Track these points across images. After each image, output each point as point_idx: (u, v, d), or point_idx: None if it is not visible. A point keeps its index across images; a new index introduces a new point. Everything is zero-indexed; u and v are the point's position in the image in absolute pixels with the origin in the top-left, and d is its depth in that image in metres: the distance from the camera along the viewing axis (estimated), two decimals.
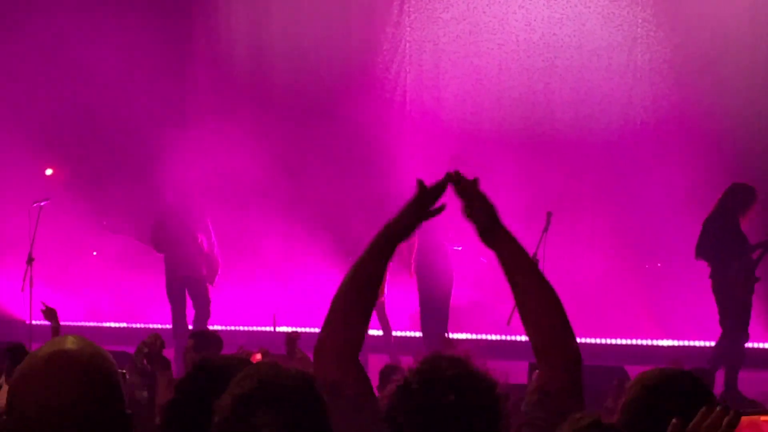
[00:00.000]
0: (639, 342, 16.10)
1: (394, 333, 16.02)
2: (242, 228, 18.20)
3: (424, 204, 4.48)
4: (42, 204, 16.21)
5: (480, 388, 3.79)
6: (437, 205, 4.49)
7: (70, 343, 3.27)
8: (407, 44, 18.31)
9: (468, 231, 4.39)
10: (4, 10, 18.99)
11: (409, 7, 18.26)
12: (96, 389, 3.17)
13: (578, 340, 13.11)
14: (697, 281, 15.63)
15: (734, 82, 16.66)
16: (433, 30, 18.17)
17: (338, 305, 4.44)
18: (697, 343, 15.63)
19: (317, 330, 4.66)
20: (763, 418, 3.14)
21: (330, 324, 4.38)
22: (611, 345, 16.03)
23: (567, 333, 4.36)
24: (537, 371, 4.46)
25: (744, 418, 3.05)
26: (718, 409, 3.09)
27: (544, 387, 4.24)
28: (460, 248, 15.61)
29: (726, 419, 3.04)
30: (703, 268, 15.28)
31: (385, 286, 15.69)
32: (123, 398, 3.31)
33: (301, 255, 18.00)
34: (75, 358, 3.15)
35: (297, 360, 11.36)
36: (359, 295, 4.50)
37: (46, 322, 16.07)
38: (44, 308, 12.96)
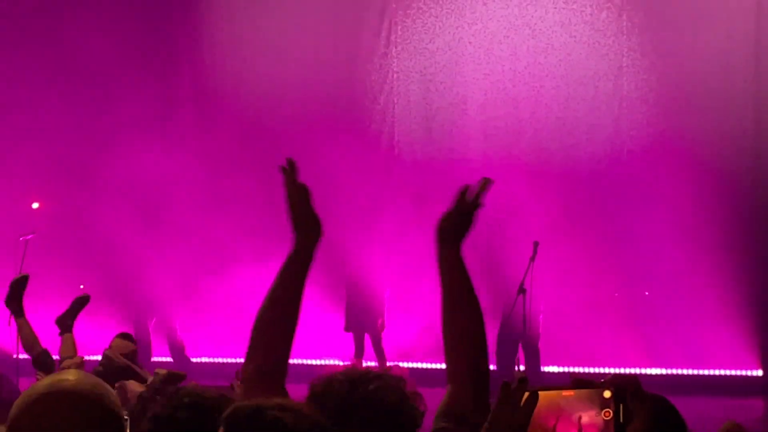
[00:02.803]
0: (626, 370, 15.61)
1: (388, 364, 15.88)
2: (233, 259, 18.09)
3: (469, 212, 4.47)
4: (28, 237, 16.13)
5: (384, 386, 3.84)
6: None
7: (70, 375, 3.23)
8: (395, 75, 18.30)
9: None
10: None
11: (396, 38, 18.32)
12: (93, 422, 3.11)
13: (567, 369, 13.12)
14: (684, 309, 16.02)
15: (720, 110, 16.62)
16: (420, 60, 18.22)
17: (264, 327, 4.42)
18: (685, 371, 15.70)
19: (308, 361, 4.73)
20: (564, 392, 2.94)
21: (250, 355, 4.35)
22: (599, 374, 15.29)
23: (474, 358, 4.36)
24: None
25: (544, 394, 2.89)
26: (514, 387, 3.00)
27: (452, 408, 4.22)
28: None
29: (526, 395, 2.97)
30: (691, 295, 15.85)
31: (384, 318, 15.89)
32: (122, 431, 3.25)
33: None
34: (74, 391, 3.09)
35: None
36: (282, 316, 4.46)
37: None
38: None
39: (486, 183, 4.50)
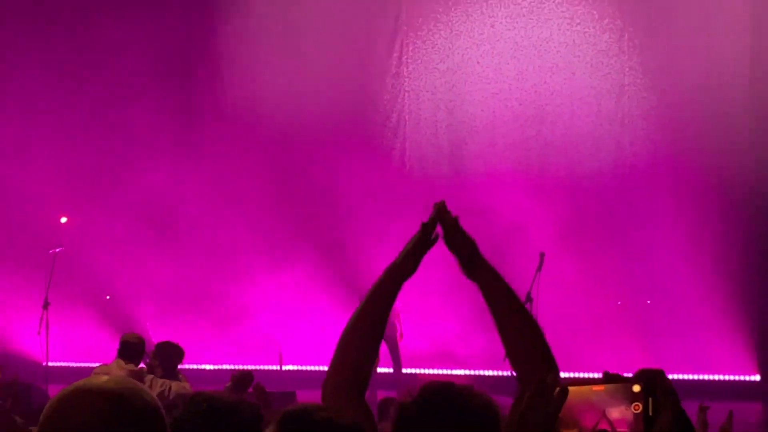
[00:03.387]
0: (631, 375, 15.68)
1: (404, 370, 16.16)
2: (248, 268, 18.22)
3: (425, 237, 4.49)
4: (57, 251, 16.36)
5: (476, 407, 3.82)
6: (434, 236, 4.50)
7: (104, 378, 3.23)
8: (406, 94, 18.38)
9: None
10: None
11: (407, 59, 18.42)
12: (123, 417, 3.06)
13: (571, 374, 13.18)
14: (684, 317, 16.28)
15: (717, 126, 16.69)
16: (431, 80, 18.28)
17: (345, 343, 4.42)
18: (684, 377, 15.70)
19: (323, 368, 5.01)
20: (594, 387, 2.93)
21: (337, 361, 4.37)
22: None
23: (547, 357, 4.32)
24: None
25: (575, 389, 2.90)
26: (548, 381, 3.01)
27: None
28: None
29: (557, 390, 2.96)
30: (691, 304, 16.10)
31: (402, 325, 16.18)
32: None
33: (305, 295, 17.93)
34: (105, 392, 3.07)
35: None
36: (365, 334, 4.50)
37: (61, 363, 16.47)
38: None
39: (437, 206, 4.62)
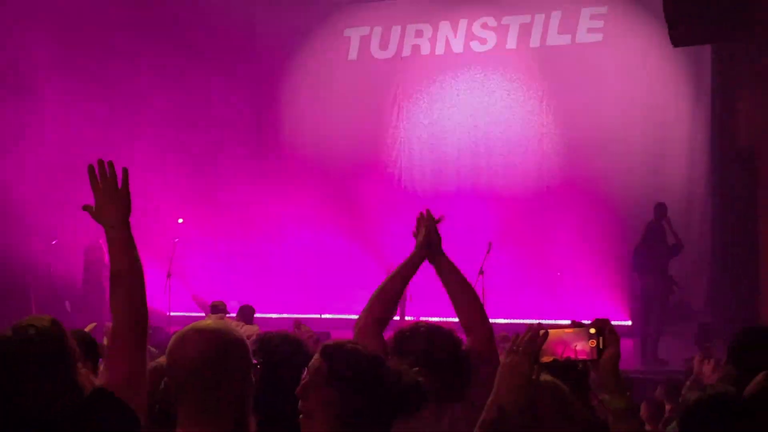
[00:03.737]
0: (545, 321, 15.30)
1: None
2: (301, 246, 18.05)
3: (430, 232, 4.49)
4: (176, 241, 16.34)
5: (448, 343, 4.00)
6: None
7: (209, 321, 3.17)
8: (402, 140, 18.29)
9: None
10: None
11: (402, 116, 18.26)
12: (221, 347, 2.96)
13: (507, 320, 12.58)
14: (582, 283, 16.19)
15: (613, 156, 16.54)
16: (418, 130, 18.21)
17: (374, 303, 4.32)
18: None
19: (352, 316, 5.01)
20: (566, 330, 2.99)
21: (366, 313, 4.27)
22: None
23: (482, 316, 4.39)
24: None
25: (553, 331, 2.97)
26: (533, 327, 3.07)
27: (475, 350, 4.18)
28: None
29: (541, 333, 3.01)
30: (586, 275, 16.11)
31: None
32: (249, 364, 3.07)
33: (341, 259, 17.81)
34: (211, 329, 2.99)
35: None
36: (388, 298, 4.39)
37: (178, 312, 16.31)
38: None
39: (429, 217, 4.64)
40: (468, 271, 15.30)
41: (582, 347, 2.97)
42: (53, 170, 15.66)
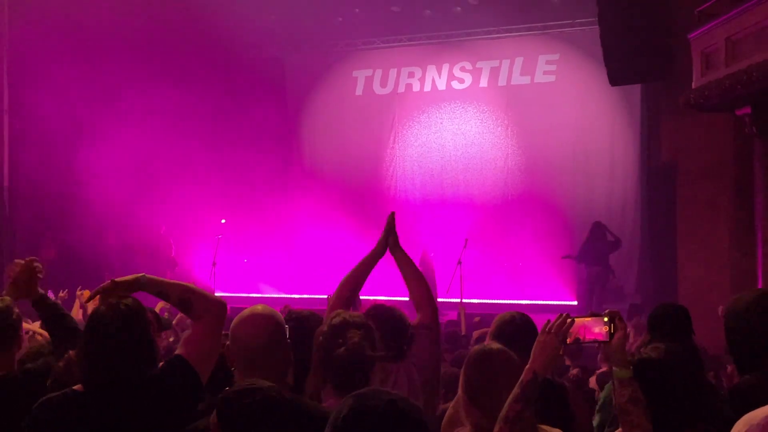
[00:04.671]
0: (512, 302, 15.20)
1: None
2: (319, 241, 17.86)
3: (389, 231, 4.55)
4: (220, 237, 16.18)
5: (389, 316, 3.96)
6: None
7: (260, 307, 3.18)
8: (397, 158, 18.17)
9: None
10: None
11: (398, 138, 18.14)
12: (278, 333, 3.05)
13: (482, 300, 11.97)
14: (537, 272, 16.04)
15: (564, 172, 16.52)
16: (410, 150, 18.10)
17: (341, 286, 4.35)
18: (539, 302, 15.31)
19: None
20: (586, 318, 2.99)
21: (337, 293, 4.26)
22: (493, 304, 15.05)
23: (429, 297, 4.36)
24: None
25: (578, 320, 2.98)
26: (563, 315, 3.07)
27: (422, 323, 4.18)
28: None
29: (568, 320, 3.01)
30: (540, 264, 15.97)
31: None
32: (286, 336, 3.15)
33: (348, 249, 16.66)
34: (266, 313, 3.05)
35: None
36: (352, 282, 4.39)
37: (224, 294, 16.00)
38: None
39: (390, 220, 4.62)
40: (448, 261, 15.35)
41: (598, 331, 3.02)
42: (125, 175, 15.50)
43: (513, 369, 3.10)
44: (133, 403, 2.93)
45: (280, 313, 3.23)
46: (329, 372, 3.28)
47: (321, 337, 3.35)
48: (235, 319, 3.06)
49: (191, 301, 3.24)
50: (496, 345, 3.25)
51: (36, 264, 3.83)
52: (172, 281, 3.37)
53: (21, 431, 2.94)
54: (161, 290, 3.22)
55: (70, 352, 3.64)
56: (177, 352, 3.14)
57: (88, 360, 2.97)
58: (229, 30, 15.47)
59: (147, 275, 3.26)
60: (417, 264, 4.53)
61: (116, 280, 3.16)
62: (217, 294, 15.06)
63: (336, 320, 3.40)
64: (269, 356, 2.99)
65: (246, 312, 3.09)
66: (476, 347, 3.27)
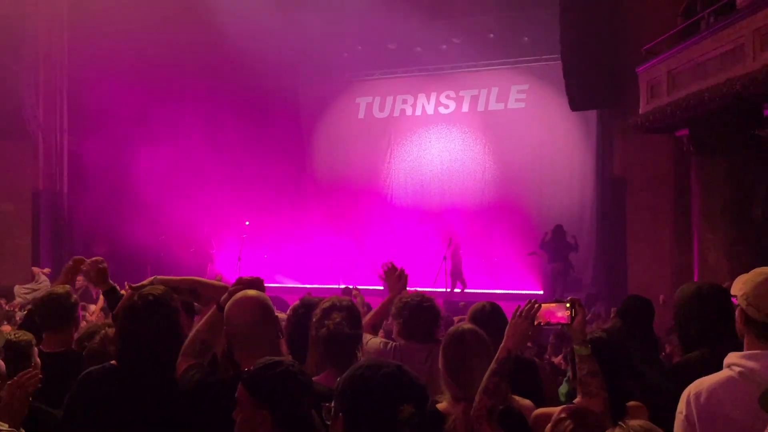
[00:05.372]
0: (489, 291, 14.80)
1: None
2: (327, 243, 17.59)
3: (402, 287, 4.18)
4: (244, 236, 16.08)
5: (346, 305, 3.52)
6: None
7: (251, 291, 2.97)
8: (393, 171, 18.09)
9: None
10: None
11: (393, 155, 18.08)
12: (265, 312, 2.89)
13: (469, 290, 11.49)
14: (511, 267, 15.93)
15: (532, 184, 16.43)
16: (403, 164, 18.01)
17: (367, 320, 4.04)
18: (511, 291, 14.90)
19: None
20: (552, 304, 2.90)
21: (366, 323, 3.95)
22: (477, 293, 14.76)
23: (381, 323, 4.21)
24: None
25: (544, 305, 2.91)
26: (531, 301, 3.00)
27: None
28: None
29: (536, 306, 2.97)
30: (512, 262, 15.82)
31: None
32: (277, 321, 3.02)
33: (355, 247, 17.18)
34: (257, 297, 2.87)
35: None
36: (376, 320, 4.22)
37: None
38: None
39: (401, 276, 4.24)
40: (435, 257, 15.21)
41: (561, 315, 2.97)
42: (167, 185, 15.42)
43: (484, 346, 3.07)
44: (159, 377, 2.92)
45: (268, 297, 3.09)
46: (319, 348, 3.24)
47: (314, 319, 3.30)
48: (229, 302, 2.96)
49: (198, 291, 3.26)
50: (468, 325, 3.20)
51: (102, 264, 3.88)
52: (181, 278, 3.37)
53: (68, 398, 2.96)
54: (173, 286, 3.21)
55: (107, 329, 3.64)
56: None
57: (122, 340, 2.99)
58: (252, 64, 15.45)
59: (159, 276, 3.28)
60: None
61: (133, 285, 3.17)
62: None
63: (326, 304, 3.33)
64: (259, 332, 2.86)
65: (238, 295, 2.98)
66: (452, 329, 3.20)
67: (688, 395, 2.55)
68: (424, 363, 3.56)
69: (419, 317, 3.79)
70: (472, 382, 2.91)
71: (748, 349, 2.56)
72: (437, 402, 3.01)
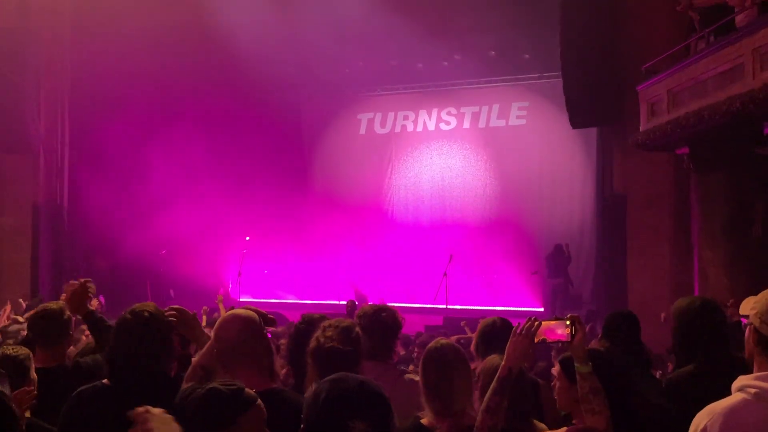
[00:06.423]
0: (485, 308, 14.50)
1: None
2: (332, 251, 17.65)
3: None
4: (245, 251, 16.21)
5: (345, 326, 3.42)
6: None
7: (239, 309, 3.01)
8: (394, 187, 18.17)
9: None
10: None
11: (395, 170, 18.17)
12: (253, 329, 2.88)
13: (463, 306, 11.52)
14: (509, 282, 15.93)
15: (533, 199, 16.57)
16: (404, 180, 18.09)
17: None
18: (510, 308, 14.69)
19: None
20: (552, 321, 2.89)
21: None
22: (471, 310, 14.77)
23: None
24: None
25: (544, 323, 2.88)
26: (531, 319, 3.00)
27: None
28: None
29: (536, 323, 2.96)
30: (511, 276, 15.77)
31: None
32: (267, 338, 2.99)
33: (362, 258, 17.32)
34: (242, 315, 2.88)
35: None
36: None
37: (248, 299, 15.86)
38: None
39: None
40: (435, 273, 15.24)
41: (561, 332, 2.95)
42: (167, 202, 15.40)
43: (462, 360, 3.06)
44: (149, 395, 2.84)
45: (255, 314, 3.07)
46: (309, 361, 3.24)
47: (311, 336, 3.30)
48: (218, 321, 2.96)
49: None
50: (444, 340, 3.18)
51: (89, 285, 3.80)
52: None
53: (60, 416, 2.94)
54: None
55: (98, 353, 3.62)
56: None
57: (113, 358, 2.97)
58: (255, 80, 15.56)
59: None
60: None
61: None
62: (241, 299, 15.04)
63: (326, 323, 3.32)
64: (247, 349, 2.87)
65: (227, 314, 2.99)
66: (430, 344, 3.18)
67: (701, 423, 2.44)
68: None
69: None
70: (453, 394, 2.90)
71: (760, 370, 2.44)
72: (420, 418, 2.99)
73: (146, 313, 3.00)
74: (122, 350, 2.96)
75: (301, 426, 2.10)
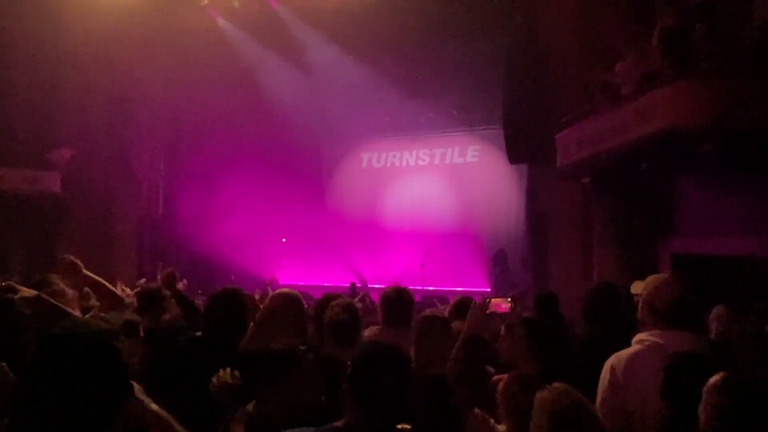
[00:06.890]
0: (446, 289, 13.81)
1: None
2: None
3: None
4: (283, 241, 16.25)
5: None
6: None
7: (287, 289, 2.87)
8: (387, 206, 17.60)
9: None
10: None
11: (388, 195, 17.72)
12: (294, 306, 2.74)
13: (437, 288, 11.17)
14: (470, 272, 15.59)
15: (482, 216, 15.72)
16: (392, 201, 17.61)
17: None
18: (464, 289, 13.44)
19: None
20: (498, 299, 2.92)
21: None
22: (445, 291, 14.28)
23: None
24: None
25: (493, 300, 2.71)
26: (484, 296, 2.88)
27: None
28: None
29: (487, 300, 2.90)
30: (471, 267, 15.44)
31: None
32: (304, 309, 2.81)
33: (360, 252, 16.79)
34: (288, 293, 2.72)
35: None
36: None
37: (289, 283, 14.90)
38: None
39: None
40: (416, 264, 14.84)
41: (505, 306, 2.98)
42: (229, 211, 15.47)
43: (446, 326, 3.03)
44: (231, 345, 2.74)
45: (300, 295, 3.00)
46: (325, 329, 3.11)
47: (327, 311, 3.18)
48: (271, 295, 2.94)
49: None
50: (431, 311, 3.13)
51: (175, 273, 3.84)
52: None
53: (170, 355, 2.83)
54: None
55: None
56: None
57: (209, 318, 2.86)
58: (289, 131, 15.63)
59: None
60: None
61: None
62: (281, 283, 14.45)
63: (335, 302, 3.17)
64: (288, 320, 2.81)
65: (278, 291, 2.97)
66: (422, 314, 3.07)
67: (611, 365, 2.44)
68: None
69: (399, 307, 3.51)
70: (440, 353, 2.88)
71: (649, 331, 2.47)
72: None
73: (230, 289, 3.00)
74: (216, 314, 2.93)
75: (347, 377, 1.98)
